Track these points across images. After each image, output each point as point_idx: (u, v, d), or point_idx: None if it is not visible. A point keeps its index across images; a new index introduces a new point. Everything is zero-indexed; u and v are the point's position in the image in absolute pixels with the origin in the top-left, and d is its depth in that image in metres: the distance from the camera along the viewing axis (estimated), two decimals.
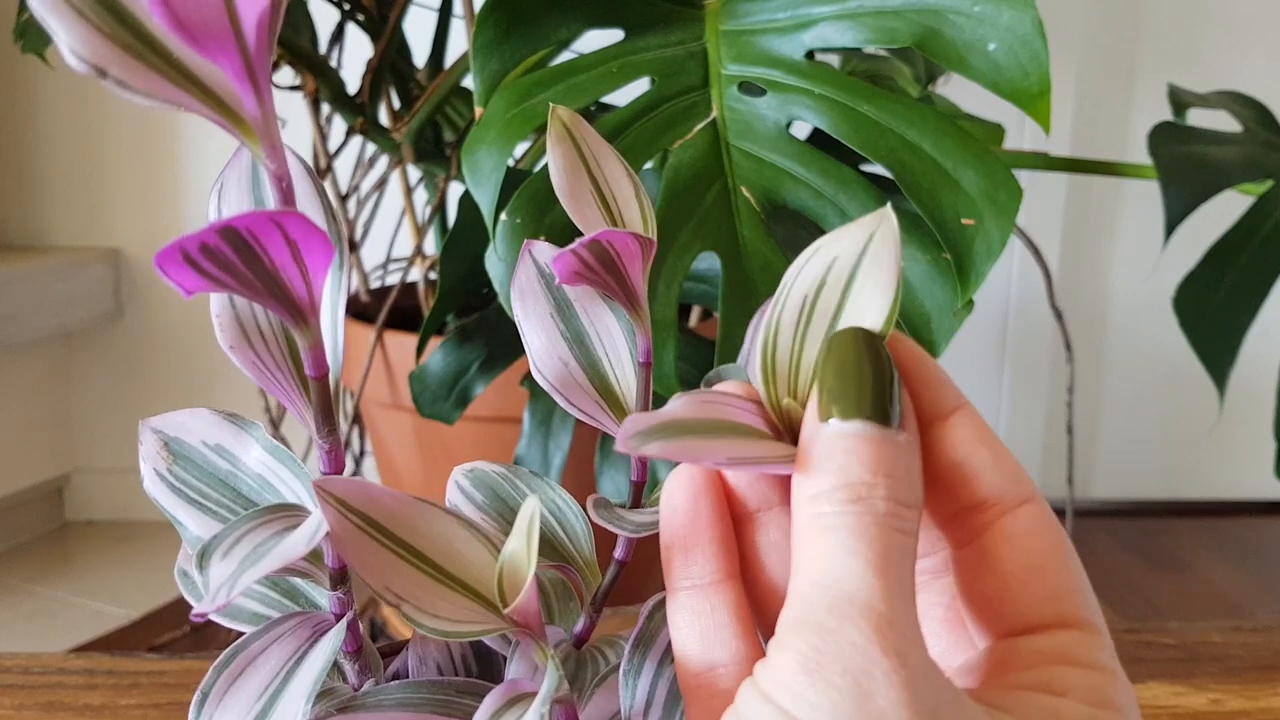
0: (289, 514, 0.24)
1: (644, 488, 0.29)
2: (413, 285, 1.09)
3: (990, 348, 1.88)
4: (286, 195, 0.21)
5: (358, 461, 1.23)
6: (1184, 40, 1.80)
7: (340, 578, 0.25)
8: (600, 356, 0.29)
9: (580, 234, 0.25)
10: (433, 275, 1.04)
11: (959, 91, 0.94)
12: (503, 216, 0.53)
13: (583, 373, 0.28)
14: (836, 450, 0.21)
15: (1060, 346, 1.59)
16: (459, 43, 1.01)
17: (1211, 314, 0.72)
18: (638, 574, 0.30)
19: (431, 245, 1.07)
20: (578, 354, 0.29)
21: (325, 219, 0.25)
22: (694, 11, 0.61)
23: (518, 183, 0.53)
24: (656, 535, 0.25)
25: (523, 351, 0.82)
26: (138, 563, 1.55)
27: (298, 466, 0.27)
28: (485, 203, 0.54)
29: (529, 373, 0.75)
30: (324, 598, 0.28)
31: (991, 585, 0.23)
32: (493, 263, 0.53)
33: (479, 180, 0.54)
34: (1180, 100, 0.89)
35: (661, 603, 0.26)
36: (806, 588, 0.21)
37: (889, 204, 0.23)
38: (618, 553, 0.28)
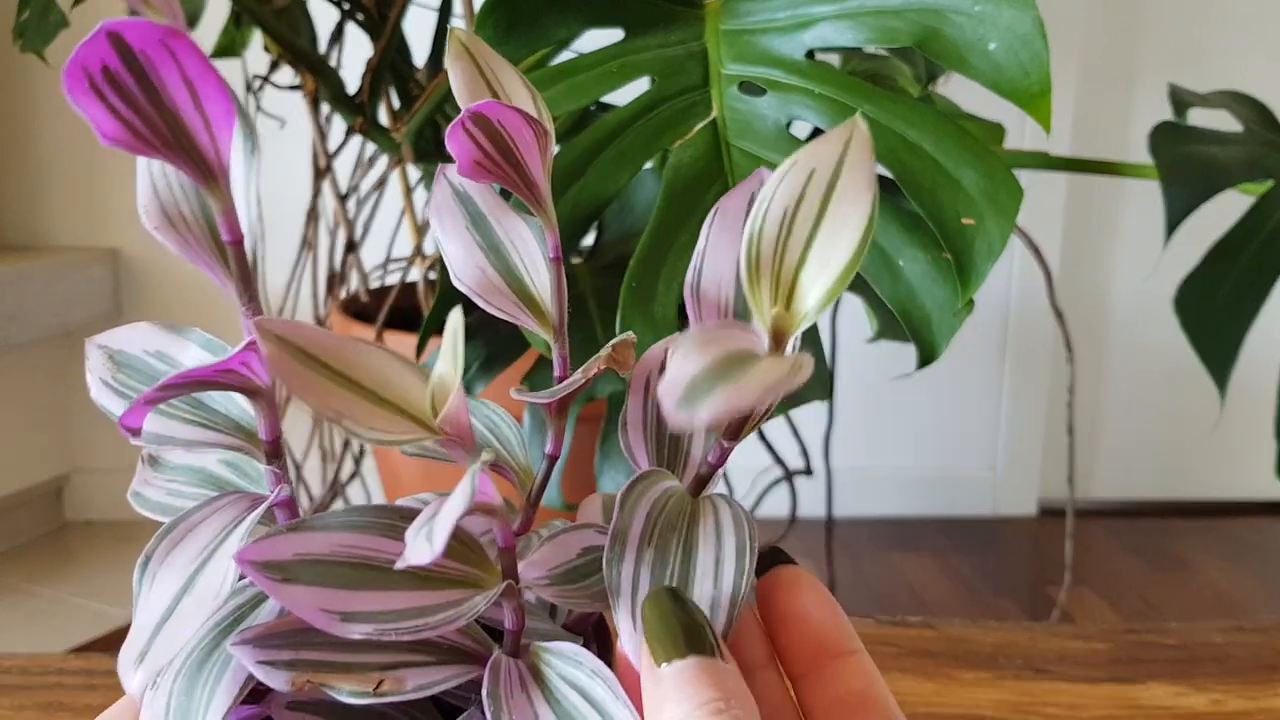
0: None
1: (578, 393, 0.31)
2: (412, 285, 1.09)
3: (991, 348, 1.88)
4: None
5: (357, 461, 1.23)
6: (1184, 40, 1.80)
7: (274, 451, 0.27)
8: (516, 263, 0.31)
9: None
10: (432, 275, 1.04)
11: (959, 91, 0.94)
12: None
13: (499, 277, 0.31)
14: (682, 682, 0.24)
15: (1061, 346, 1.59)
16: None
17: (1212, 314, 0.72)
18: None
19: (431, 245, 1.07)
20: (494, 261, 0.31)
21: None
22: (694, 11, 0.61)
23: None
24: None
25: (523, 351, 0.81)
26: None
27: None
28: None
29: (529, 373, 0.75)
30: (259, 489, 0.29)
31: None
32: None
33: None
34: (1181, 100, 0.89)
35: (631, 487, 0.27)
36: None
37: (859, 112, 0.24)
38: (548, 448, 0.30)
